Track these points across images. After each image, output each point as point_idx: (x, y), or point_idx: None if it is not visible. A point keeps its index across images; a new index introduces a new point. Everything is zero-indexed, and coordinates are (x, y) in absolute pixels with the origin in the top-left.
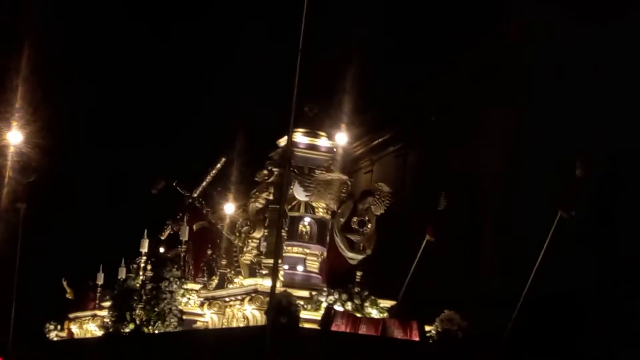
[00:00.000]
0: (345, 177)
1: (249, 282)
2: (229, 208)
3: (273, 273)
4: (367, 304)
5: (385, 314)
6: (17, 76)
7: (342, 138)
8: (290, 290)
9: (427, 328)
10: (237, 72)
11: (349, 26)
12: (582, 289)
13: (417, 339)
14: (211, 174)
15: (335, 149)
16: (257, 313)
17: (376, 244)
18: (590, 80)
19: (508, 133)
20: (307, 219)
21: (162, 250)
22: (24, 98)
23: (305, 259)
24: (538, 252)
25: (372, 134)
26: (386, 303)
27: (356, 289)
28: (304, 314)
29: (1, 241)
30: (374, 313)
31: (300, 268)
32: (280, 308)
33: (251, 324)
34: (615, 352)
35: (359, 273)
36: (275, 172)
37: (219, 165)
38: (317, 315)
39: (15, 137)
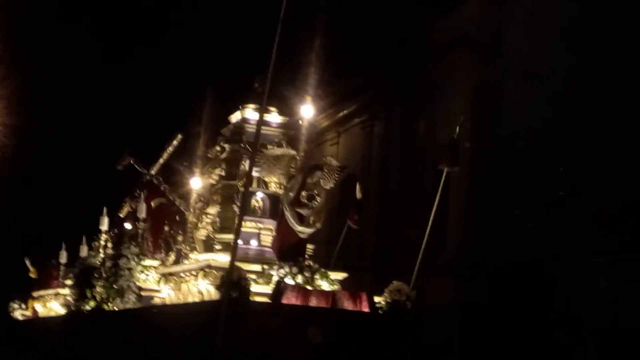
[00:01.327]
0: (293, 152)
1: (203, 258)
2: (196, 183)
3: (233, 249)
4: (317, 276)
5: (336, 286)
6: None
7: (308, 110)
8: (243, 264)
9: (377, 299)
10: (196, 41)
11: None
12: (551, 255)
13: (366, 310)
14: (168, 151)
15: (286, 124)
16: (211, 288)
17: (325, 217)
18: (561, 52)
19: (474, 98)
20: (259, 194)
21: (125, 227)
22: None
23: (259, 233)
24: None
25: (338, 105)
26: (337, 275)
27: (307, 263)
28: (256, 288)
29: None
30: (325, 285)
31: (254, 243)
32: (231, 282)
33: (205, 298)
34: (583, 319)
35: (309, 246)
36: (227, 149)
37: (175, 142)
38: (269, 289)
39: None
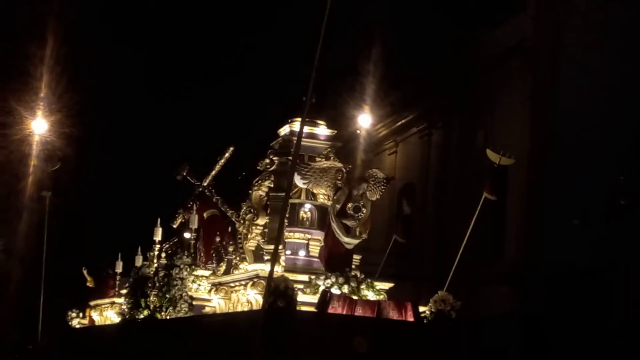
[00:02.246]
0: (340, 165)
1: (252, 268)
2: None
3: (272, 259)
4: (363, 286)
5: (382, 296)
6: (41, 64)
7: (365, 120)
8: (291, 274)
9: (422, 309)
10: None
11: (371, 7)
12: (610, 264)
13: (411, 319)
14: (220, 163)
15: (333, 137)
16: (259, 297)
17: (371, 228)
18: (615, 58)
19: (532, 105)
20: (307, 206)
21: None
22: (48, 86)
23: (307, 244)
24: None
25: (396, 115)
26: (383, 285)
27: (353, 273)
28: (303, 298)
29: (27, 230)
30: (370, 295)
31: (302, 253)
32: (278, 292)
33: (254, 307)
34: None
35: (356, 257)
36: (276, 161)
37: (227, 155)
38: (315, 299)
39: (40, 125)
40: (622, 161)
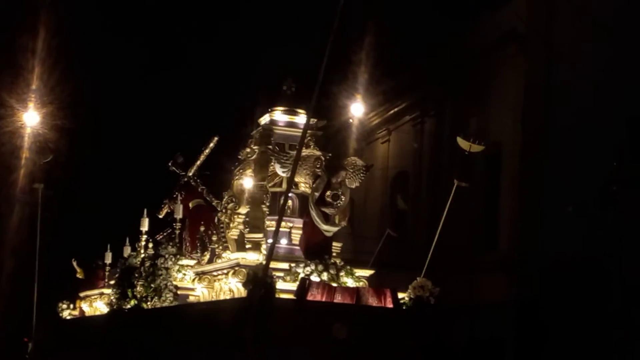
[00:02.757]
0: (319, 153)
1: (234, 257)
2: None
3: (270, 248)
4: (342, 273)
5: (362, 283)
6: (33, 56)
7: (358, 109)
8: (273, 262)
9: (400, 295)
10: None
11: None
12: (605, 252)
13: (390, 305)
14: (205, 153)
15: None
16: (240, 286)
17: (350, 216)
18: (609, 45)
19: (526, 93)
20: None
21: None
22: (40, 78)
23: (289, 232)
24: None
25: (389, 103)
26: (363, 272)
27: (332, 260)
28: (283, 285)
29: (18, 223)
30: (350, 282)
31: (284, 241)
32: (257, 280)
33: (235, 296)
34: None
35: (336, 244)
36: (257, 150)
37: (212, 145)
38: (295, 286)
39: (32, 118)
40: (616, 149)
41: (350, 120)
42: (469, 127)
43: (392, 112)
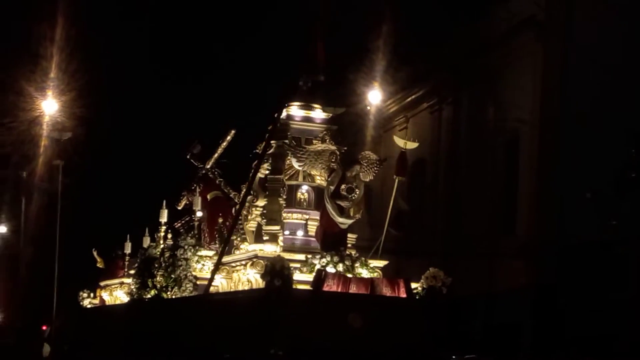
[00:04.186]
0: (334, 147)
1: (252, 248)
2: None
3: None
4: (357, 264)
5: (376, 274)
6: (52, 45)
7: (375, 96)
8: (289, 254)
9: (414, 285)
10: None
11: None
12: (622, 238)
13: (404, 295)
14: (222, 146)
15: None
16: (258, 277)
17: (365, 208)
18: (628, 31)
19: (543, 79)
20: (305, 187)
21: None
22: (59, 67)
23: (306, 224)
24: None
25: (406, 90)
26: (377, 263)
27: (348, 252)
28: (301, 276)
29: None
30: (364, 273)
31: (300, 233)
32: (274, 271)
33: (254, 287)
34: None
35: (351, 236)
36: (274, 144)
37: (229, 138)
38: (312, 277)
39: (51, 106)
40: (634, 135)
41: (368, 108)
42: (487, 113)
43: (409, 99)
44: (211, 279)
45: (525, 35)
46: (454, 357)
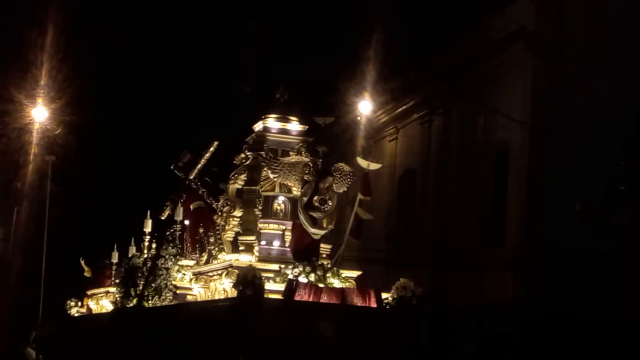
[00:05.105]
0: (307, 160)
1: (229, 258)
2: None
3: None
4: (329, 274)
5: (348, 284)
6: (42, 52)
7: (366, 107)
8: (263, 264)
9: (384, 295)
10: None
11: None
12: (611, 250)
13: (374, 305)
14: (205, 157)
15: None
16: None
17: (337, 220)
18: (618, 41)
19: (534, 90)
20: (281, 198)
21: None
22: (49, 74)
23: (283, 235)
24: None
25: (396, 101)
26: (350, 273)
27: (320, 262)
28: (273, 286)
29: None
30: (336, 283)
31: (277, 243)
32: (246, 281)
33: (229, 296)
34: None
35: (324, 246)
36: (250, 156)
37: (212, 149)
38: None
39: (41, 113)
40: (625, 146)
41: (358, 118)
42: (477, 125)
43: (400, 110)
44: None
45: (516, 46)
46: None
